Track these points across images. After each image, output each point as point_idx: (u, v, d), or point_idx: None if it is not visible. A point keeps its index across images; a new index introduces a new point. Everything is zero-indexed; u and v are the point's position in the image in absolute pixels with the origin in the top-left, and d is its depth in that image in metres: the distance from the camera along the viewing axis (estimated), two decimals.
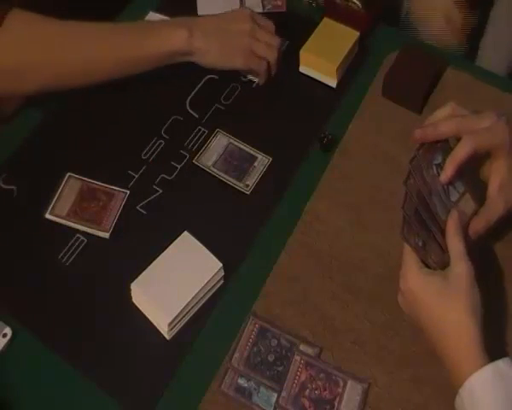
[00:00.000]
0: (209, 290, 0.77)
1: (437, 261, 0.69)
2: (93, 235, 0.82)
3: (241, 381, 0.72)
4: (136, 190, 0.87)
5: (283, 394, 0.70)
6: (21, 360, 0.74)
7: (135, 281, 0.75)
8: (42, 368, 0.74)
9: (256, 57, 0.93)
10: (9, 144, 0.91)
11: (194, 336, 0.75)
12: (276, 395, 0.70)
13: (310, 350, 0.73)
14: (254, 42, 0.92)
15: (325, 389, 0.70)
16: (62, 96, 0.95)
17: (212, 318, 0.77)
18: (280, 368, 0.72)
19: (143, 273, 0.75)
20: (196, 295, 0.74)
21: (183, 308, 0.73)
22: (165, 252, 0.77)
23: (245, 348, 0.74)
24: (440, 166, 0.70)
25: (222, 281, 0.78)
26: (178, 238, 0.78)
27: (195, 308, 0.76)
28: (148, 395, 0.72)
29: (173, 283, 0.74)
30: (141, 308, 0.76)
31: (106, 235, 0.81)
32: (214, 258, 0.76)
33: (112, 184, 0.86)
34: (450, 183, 0.71)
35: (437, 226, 0.70)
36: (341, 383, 0.71)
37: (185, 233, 0.78)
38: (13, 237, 0.83)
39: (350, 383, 0.71)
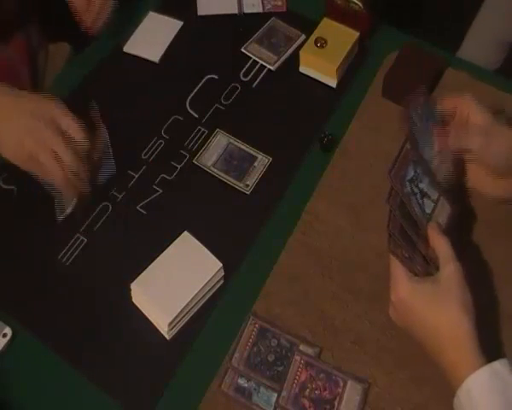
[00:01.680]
0: (209, 290, 0.77)
1: (423, 272, 0.69)
2: (93, 234, 0.82)
3: (241, 381, 0.72)
4: (136, 190, 0.87)
5: (283, 394, 0.70)
6: (21, 360, 0.74)
7: (135, 281, 0.75)
8: (42, 368, 0.74)
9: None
10: None
11: (195, 336, 0.75)
12: (276, 395, 0.70)
13: (310, 350, 0.73)
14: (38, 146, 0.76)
15: (325, 389, 0.70)
16: (62, 96, 0.96)
17: (212, 318, 0.77)
18: (280, 368, 0.72)
19: (143, 273, 0.75)
20: (196, 295, 0.74)
21: (183, 308, 0.73)
22: (165, 252, 0.77)
23: (245, 348, 0.74)
24: (413, 181, 0.71)
25: (222, 281, 0.78)
26: (178, 238, 0.78)
27: (195, 308, 0.76)
28: (148, 395, 0.72)
29: (173, 283, 0.74)
30: (141, 308, 0.76)
31: None
32: (214, 258, 0.76)
33: (112, 185, 0.86)
34: (425, 195, 0.72)
35: (421, 238, 0.70)
36: (341, 383, 0.71)
37: (185, 233, 0.78)
38: (13, 237, 0.83)
39: (350, 383, 0.71)
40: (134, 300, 0.76)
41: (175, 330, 0.75)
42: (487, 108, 0.75)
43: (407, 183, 0.70)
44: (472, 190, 0.79)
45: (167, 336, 0.74)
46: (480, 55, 1.41)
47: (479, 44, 1.46)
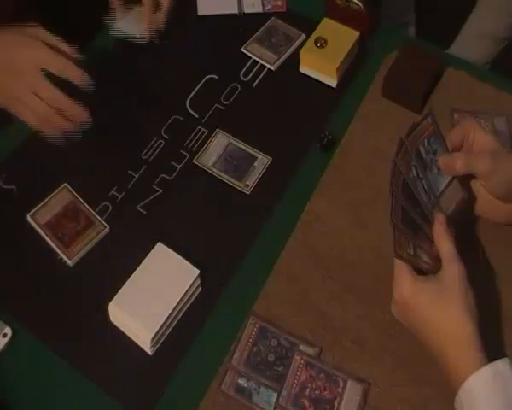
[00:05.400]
0: (189, 298, 0.76)
1: (429, 262, 0.69)
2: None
3: (241, 381, 0.72)
4: (136, 190, 0.87)
5: (283, 394, 0.70)
6: (21, 360, 0.74)
7: (112, 302, 0.74)
8: (42, 368, 0.74)
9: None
10: (9, 144, 0.91)
11: (194, 336, 0.75)
12: (276, 395, 0.70)
13: (310, 350, 0.73)
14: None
15: (325, 389, 0.70)
16: None
17: (212, 318, 0.77)
18: (280, 368, 0.72)
19: (119, 292, 0.74)
20: (177, 305, 0.74)
21: (165, 321, 0.73)
22: (141, 266, 0.76)
23: (245, 348, 0.74)
24: (418, 167, 0.71)
25: (199, 289, 0.77)
26: (152, 250, 0.77)
27: (176, 320, 0.75)
28: (148, 395, 0.72)
29: (152, 297, 0.73)
30: (120, 327, 0.75)
31: (69, 262, 0.80)
32: (190, 265, 0.76)
33: (112, 185, 0.86)
34: (440, 172, 0.73)
35: (425, 220, 0.70)
36: (341, 383, 0.71)
37: (159, 244, 0.78)
38: (13, 237, 0.83)
39: (350, 383, 0.71)
40: (112, 320, 0.75)
41: (158, 345, 0.74)
42: (492, 133, 0.76)
43: (412, 168, 0.70)
44: (478, 214, 0.79)
45: (150, 352, 0.73)
46: (471, 48, 1.42)
47: (471, 38, 1.47)
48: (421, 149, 0.71)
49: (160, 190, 0.87)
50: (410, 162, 0.70)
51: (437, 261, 0.69)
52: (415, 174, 0.70)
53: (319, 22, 0.99)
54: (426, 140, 0.72)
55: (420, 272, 0.69)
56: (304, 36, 1.02)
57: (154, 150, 0.91)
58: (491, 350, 0.64)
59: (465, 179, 0.75)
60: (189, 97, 0.96)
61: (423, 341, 0.68)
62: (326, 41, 0.97)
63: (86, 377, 0.72)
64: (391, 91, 0.95)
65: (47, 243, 0.81)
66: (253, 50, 1.01)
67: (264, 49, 1.01)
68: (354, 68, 0.99)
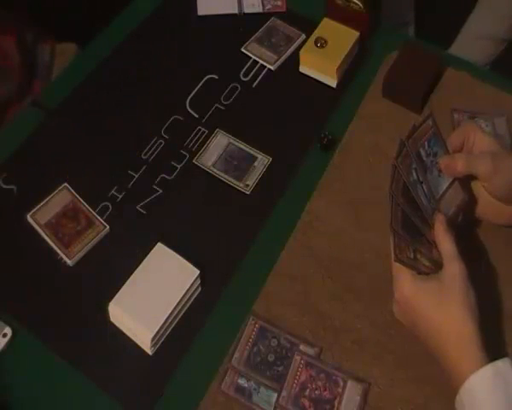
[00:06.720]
0: (189, 298, 0.76)
1: (429, 266, 0.69)
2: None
3: (241, 381, 0.72)
4: (136, 190, 0.87)
5: (283, 394, 0.70)
6: (21, 360, 0.74)
7: (112, 301, 0.74)
8: (42, 368, 0.74)
9: None
10: (9, 144, 0.91)
11: (194, 336, 0.75)
12: (276, 395, 0.70)
13: (310, 350, 0.73)
14: None
15: (325, 389, 0.70)
16: (62, 96, 0.96)
17: (212, 318, 0.77)
18: (280, 368, 0.72)
19: (120, 292, 0.74)
20: (177, 305, 0.74)
21: (165, 321, 0.73)
22: (141, 266, 0.76)
23: (245, 348, 0.74)
24: (418, 170, 0.71)
25: (199, 289, 0.77)
26: (152, 251, 0.77)
27: (176, 319, 0.75)
28: (148, 395, 0.72)
29: (152, 297, 0.73)
30: (120, 327, 0.75)
31: (69, 262, 0.80)
32: (190, 265, 0.76)
33: (112, 185, 0.86)
34: (440, 174, 0.73)
35: (426, 224, 0.70)
36: (341, 383, 0.71)
37: (159, 244, 0.78)
38: (12, 237, 0.83)
39: (350, 383, 0.71)
40: (112, 320, 0.75)
41: (158, 345, 0.74)
42: (492, 135, 0.76)
43: (413, 171, 0.70)
44: (479, 215, 0.79)
45: (150, 352, 0.73)
46: (471, 49, 1.42)
47: (471, 39, 1.47)
48: (422, 152, 0.71)
49: (160, 190, 0.87)
50: (410, 165, 0.70)
51: (437, 265, 0.69)
52: (415, 178, 0.70)
53: (319, 22, 1.00)
54: (426, 142, 0.72)
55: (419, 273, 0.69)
56: (304, 36, 1.02)
57: (154, 150, 0.91)
58: (492, 349, 0.64)
59: (466, 181, 0.75)
60: (189, 97, 0.96)
61: (424, 340, 0.68)
62: (326, 41, 0.97)
63: (86, 377, 0.72)
64: (391, 91, 0.95)
65: (47, 243, 0.81)
66: (253, 50, 1.01)
67: (264, 49, 1.01)
68: (354, 68, 0.99)
